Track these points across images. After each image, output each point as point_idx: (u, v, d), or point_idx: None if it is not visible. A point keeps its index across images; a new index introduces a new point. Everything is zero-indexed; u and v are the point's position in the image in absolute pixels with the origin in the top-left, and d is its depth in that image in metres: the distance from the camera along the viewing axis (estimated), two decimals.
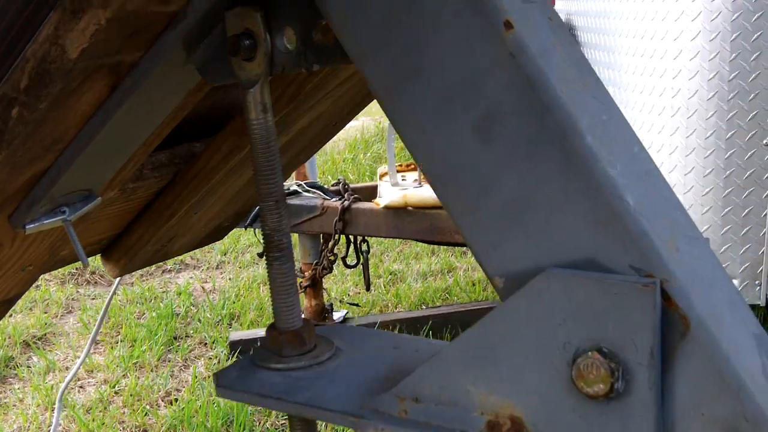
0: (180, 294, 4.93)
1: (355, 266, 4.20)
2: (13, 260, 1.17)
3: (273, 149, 1.04)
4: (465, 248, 5.64)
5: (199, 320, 4.55)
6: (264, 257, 1.13)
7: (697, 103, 3.10)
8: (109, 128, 0.97)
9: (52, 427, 1.94)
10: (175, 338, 4.34)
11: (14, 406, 3.71)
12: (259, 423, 3.40)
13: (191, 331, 4.43)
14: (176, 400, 3.68)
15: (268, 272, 1.11)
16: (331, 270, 4.13)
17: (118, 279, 1.70)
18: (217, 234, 1.74)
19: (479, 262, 0.88)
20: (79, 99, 0.92)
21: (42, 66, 0.86)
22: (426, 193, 3.96)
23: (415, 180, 4.26)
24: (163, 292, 5.00)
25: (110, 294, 1.79)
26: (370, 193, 4.17)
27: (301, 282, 4.14)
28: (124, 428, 3.46)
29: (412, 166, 4.46)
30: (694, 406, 0.79)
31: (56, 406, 1.88)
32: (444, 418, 0.90)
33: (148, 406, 3.61)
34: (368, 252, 4.14)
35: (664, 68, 3.20)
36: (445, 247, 5.68)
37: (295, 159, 1.66)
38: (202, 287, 5.07)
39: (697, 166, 3.14)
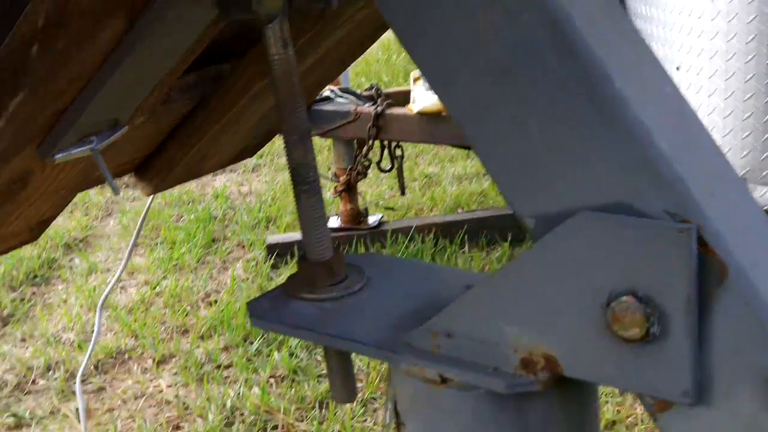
0: (217, 197, 4.98)
1: (389, 170, 4.21)
2: (45, 185, 1.19)
3: (294, 83, 1.03)
4: None
5: (237, 223, 4.61)
6: (293, 191, 1.14)
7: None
8: (129, 61, 0.97)
9: (95, 331, 2.00)
10: (213, 240, 4.40)
11: (58, 306, 3.83)
12: None
13: (229, 234, 4.49)
14: (215, 301, 3.77)
15: (296, 205, 1.12)
16: (365, 175, 4.14)
17: (150, 198, 1.72)
18: (248, 151, 1.75)
19: (508, 202, 0.87)
20: (97, 35, 0.92)
21: (58, 4, 0.85)
22: None
23: None
24: (201, 195, 5.05)
25: (149, 200, 1.81)
26: (404, 97, 4.14)
27: (336, 186, 4.17)
28: (165, 328, 3.56)
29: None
30: (731, 353, 0.78)
31: (98, 311, 1.93)
32: (477, 354, 0.91)
33: (188, 307, 3.70)
34: (402, 157, 4.15)
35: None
36: None
37: (322, 78, 1.65)
38: (239, 190, 5.12)
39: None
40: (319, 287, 1.11)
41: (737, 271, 0.77)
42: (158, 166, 1.53)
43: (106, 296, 1.65)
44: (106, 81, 0.98)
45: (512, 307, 0.88)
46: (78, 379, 1.59)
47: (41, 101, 0.97)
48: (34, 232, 1.36)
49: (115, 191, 1.16)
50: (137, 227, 1.77)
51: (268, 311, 1.09)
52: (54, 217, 1.36)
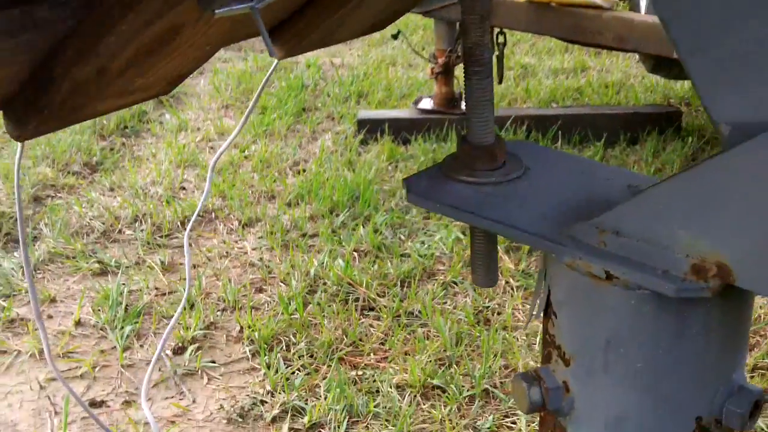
0: (309, 66, 4.95)
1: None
2: (194, 39, 1.17)
3: None
4: (600, 51, 5.45)
5: (328, 95, 4.59)
6: (464, 72, 1.10)
7: None
8: None
9: (205, 189, 2.02)
10: (303, 110, 4.40)
11: (147, 160, 3.89)
12: (384, 202, 3.48)
13: (319, 105, 4.48)
14: (304, 170, 3.78)
15: (465, 86, 1.08)
16: None
17: (276, 61, 1.69)
18: (380, 24, 1.71)
19: (704, 105, 0.82)
20: None
21: None
22: None
23: None
24: (293, 63, 5.03)
25: (274, 62, 1.79)
26: None
27: (433, 68, 4.10)
28: (252, 192, 3.59)
29: None
30: None
31: (209, 170, 1.94)
32: (645, 254, 0.88)
33: (276, 174, 3.72)
34: (504, 45, 4.04)
35: None
36: (580, 45, 5.50)
37: None
38: (331, 62, 5.08)
39: None
40: (479, 171, 1.08)
41: None
42: (295, 30, 1.50)
43: (218, 157, 1.65)
44: None
45: (691, 212, 0.85)
46: (186, 234, 1.60)
47: None
48: (170, 85, 1.35)
49: (271, 52, 1.14)
50: (259, 88, 1.74)
51: (426, 189, 1.07)
52: (191, 72, 1.35)
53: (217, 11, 1.04)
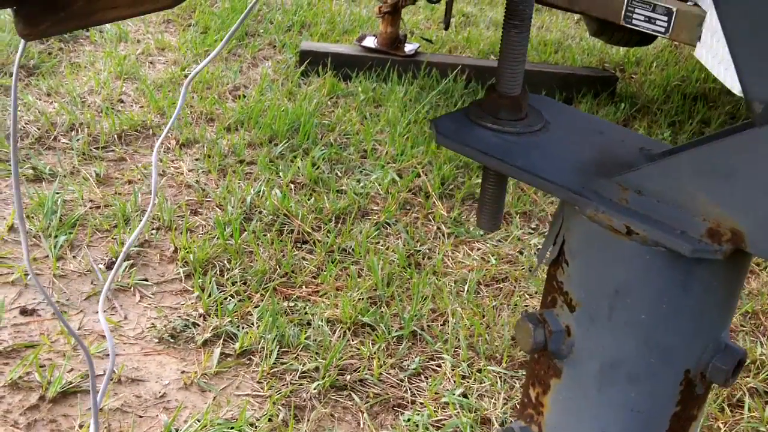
0: None
1: (437, 2, 4.11)
2: None
3: None
4: (539, 6, 5.49)
5: (271, 22, 4.52)
6: (503, 24, 1.11)
7: None
8: None
9: (177, 107, 1.98)
10: (245, 34, 4.33)
11: (86, 68, 3.77)
12: (323, 136, 3.47)
13: (261, 31, 4.41)
14: (244, 96, 3.74)
15: (503, 37, 1.09)
16: (414, 1, 4.05)
17: None
18: None
19: (741, 81, 0.86)
20: None
21: None
22: None
23: None
24: None
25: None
26: None
27: (381, 7, 4.07)
28: (192, 112, 3.54)
29: None
30: None
31: (183, 88, 1.90)
32: (665, 214, 0.93)
33: (216, 96, 3.66)
34: None
35: None
36: None
37: None
38: None
39: None
40: (504, 119, 1.11)
41: None
42: None
43: (193, 77, 1.61)
44: None
45: (713, 179, 0.90)
46: (155, 153, 1.57)
47: None
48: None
49: None
50: (243, 15, 1.70)
51: (454, 132, 1.09)
52: None
53: None
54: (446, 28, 4.23)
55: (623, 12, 3.57)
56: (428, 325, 2.50)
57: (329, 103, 3.81)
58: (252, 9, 1.80)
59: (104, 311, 2.37)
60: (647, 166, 0.93)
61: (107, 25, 4.17)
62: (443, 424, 2.14)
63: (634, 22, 3.54)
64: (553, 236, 1.03)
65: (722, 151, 0.88)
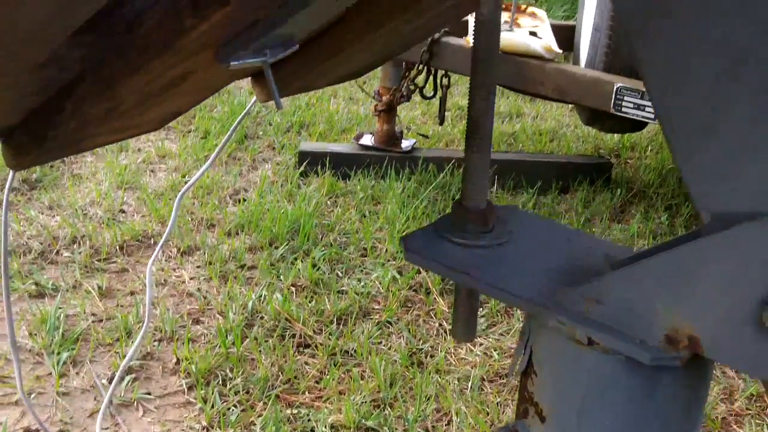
0: (252, 93, 4.95)
1: (431, 98, 4.19)
2: (200, 84, 1.20)
3: (494, 43, 1.04)
4: (534, 98, 5.59)
5: (270, 123, 4.60)
6: (466, 139, 1.16)
7: None
8: None
9: (171, 220, 2.01)
10: (245, 137, 4.40)
11: (87, 179, 3.83)
12: (322, 237, 3.50)
13: (261, 133, 4.49)
14: (244, 200, 3.78)
15: (465, 153, 1.14)
16: (408, 99, 4.13)
17: (254, 99, 1.70)
18: (358, 74, 1.74)
19: (690, 192, 0.91)
20: None
21: None
22: (517, 39, 3.89)
23: (506, 22, 4.17)
24: (237, 88, 5.02)
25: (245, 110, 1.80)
26: (461, 28, 4.10)
27: (377, 105, 4.15)
28: (192, 219, 3.57)
29: (506, 6, 4.35)
30: None
31: (176, 203, 1.93)
32: (624, 323, 0.97)
33: (216, 201, 3.71)
34: (448, 87, 4.12)
35: None
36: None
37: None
38: None
39: None
40: (471, 233, 1.14)
41: None
42: (278, 77, 1.52)
43: (185, 191, 1.65)
44: (309, 3, 0.97)
45: (668, 288, 0.95)
46: (149, 266, 1.60)
47: (245, 12, 0.96)
48: (163, 123, 1.37)
49: (278, 106, 1.17)
50: (236, 122, 1.75)
51: (422, 248, 1.12)
52: (184, 113, 1.37)
53: (233, 64, 1.08)
54: (441, 123, 4.30)
55: (613, 101, 3.64)
56: (433, 426, 2.48)
57: (328, 202, 3.85)
58: (247, 113, 1.85)
59: (106, 429, 2.36)
60: (606, 276, 0.98)
61: None
62: None
63: (624, 109, 3.61)
64: (522, 346, 1.06)
65: (674, 260, 0.92)
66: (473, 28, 1.06)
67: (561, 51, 4.03)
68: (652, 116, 3.51)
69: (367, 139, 4.24)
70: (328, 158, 4.12)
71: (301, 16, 1.02)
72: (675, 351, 0.94)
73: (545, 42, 3.90)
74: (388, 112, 4.16)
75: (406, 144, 4.25)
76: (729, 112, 0.86)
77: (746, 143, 0.85)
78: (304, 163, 4.10)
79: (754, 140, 0.84)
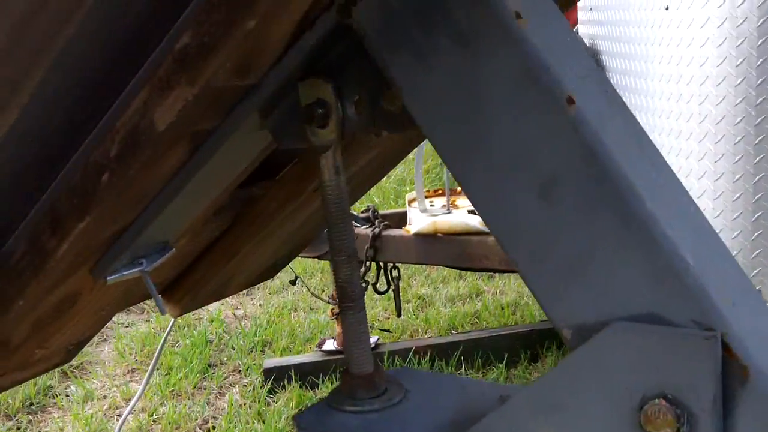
0: (212, 321, 5.00)
1: (385, 292, 4.25)
2: (90, 305, 1.25)
3: (345, 208, 1.11)
4: (492, 274, 5.69)
5: (233, 348, 4.62)
6: (339, 307, 1.20)
7: (725, 108, 3.09)
8: (188, 187, 1.04)
9: None
10: (209, 366, 4.40)
11: None
12: None
13: (225, 359, 4.50)
14: (214, 428, 3.75)
15: (342, 321, 1.18)
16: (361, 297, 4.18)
17: (173, 319, 1.76)
18: (271, 271, 1.81)
19: (547, 313, 0.94)
20: (162, 163, 0.99)
21: (132, 137, 0.93)
22: (455, 219, 4.02)
23: (443, 206, 4.32)
24: (196, 319, 5.07)
25: (166, 333, 1.85)
26: (399, 219, 4.23)
27: (333, 309, 4.20)
28: None
29: (440, 192, 4.52)
30: None
31: None
32: None
33: None
34: (399, 278, 4.19)
35: (691, 75, 3.20)
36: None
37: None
38: (234, 314, 5.15)
39: (726, 172, 3.11)
40: (362, 399, 1.16)
41: (758, 374, 0.84)
42: (187, 286, 1.59)
43: (121, 425, 1.66)
44: (165, 205, 1.05)
45: (549, 414, 0.94)
46: None
47: (103, 224, 1.03)
48: (70, 353, 1.40)
49: (162, 311, 1.22)
50: (157, 349, 1.80)
51: (314, 424, 1.14)
52: (91, 338, 1.41)
53: (109, 278, 1.13)
54: (399, 315, 4.35)
55: None
56: None
57: None
58: (164, 343, 1.89)
59: None
60: (489, 415, 0.98)
61: (72, 387, 4.24)
62: None
63: None
64: None
65: (548, 386, 0.93)
66: (322, 199, 1.13)
67: None
68: None
69: (330, 344, 4.26)
70: (293, 371, 4.12)
71: (162, 220, 1.09)
72: None
73: None
74: None
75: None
76: (555, 230, 0.92)
77: (584, 253, 0.90)
78: (270, 380, 4.10)
79: (590, 250, 0.90)
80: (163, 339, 1.88)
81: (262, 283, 5.59)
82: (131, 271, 1.14)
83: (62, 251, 1.01)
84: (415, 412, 1.14)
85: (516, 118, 0.89)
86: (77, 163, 0.98)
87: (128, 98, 0.94)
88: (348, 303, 1.17)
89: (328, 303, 4.24)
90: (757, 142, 3.06)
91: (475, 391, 1.19)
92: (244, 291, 5.44)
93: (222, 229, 1.50)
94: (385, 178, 8.39)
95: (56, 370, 4.33)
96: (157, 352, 1.90)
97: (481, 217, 0.96)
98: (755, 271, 3.09)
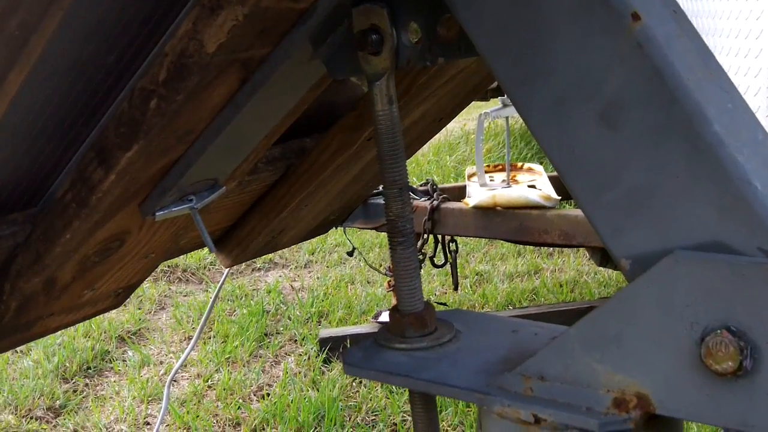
0: (269, 292, 5.01)
1: (443, 266, 4.21)
2: (138, 247, 1.23)
3: (397, 139, 1.07)
4: (552, 249, 5.61)
5: (289, 318, 4.63)
6: (388, 242, 1.17)
7: None
8: (237, 120, 1.01)
9: (159, 417, 2.00)
10: (265, 335, 4.42)
11: (111, 398, 3.84)
12: (350, 418, 3.45)
13: (281, 328, 4.50)
14: (268, 394, 3.75)
15: (391, 257, 1.15)
16: (419, 270, 4.15)
17: (226, 270, 1.74)
18: (323, 227, 1.79)
19: (605, 244, 0.90)
20: (212, 92, 0.96)
21: (180, 60, 0.90)
22: (514, 194, 3.95)
23: (503, 180, 4.27)
24: (254, 290, 5.09)
25: (217, 288, 1.84)
26: (458, 193, 4.19)
27: (389, 281, 4.17)
28: (217, 421, 3.54)
29: (500, 167, 4.47)
30: None
31: (165, 392, 1.94)
32: (570, 395, 0.93)
33: (240, 400, 3.69)
34: (456, 251, 4.15)
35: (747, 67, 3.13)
36: (532, 248, 5.66)
37: (416, 140, 1.69)
38: (291, 285, 5.15)
39: None
40: (410, 337, 1.13)
41: None
42: (239, 237, 1.56)
43: (172, 376, 1.65)
44: (213, 139, 1.02)
45: (605, 347, 0.91)
46: None
47: (151, 156, 1.01)
48: (119, 297, 1.39)
49: (211, 249, 1.19)
50: (208, 307, 1.78)
51: (361, 360, 1.11)
52: (139, 284, 1.39)
53: (158, 214, 1.11)
54: (456, 289, 4.30)
55: None
56: None
57: (353, 384, 3.81)
58: (215, 300, 1.88)
59: None
60: (543, 351, 0.94)
61: (129, 353, 4.29)
62: None
63: None
64: None
65: (606, 317, 0.89)
66: (375, 130, 1.09)
67: (560, 198, 4.08)
68: None
69: (386, 316, 4.24)
70: (348, 341, 4.11)
71: (211, 156, 1.06)
72: (625, 413, 0.89)
73: (543, 191, 3.96)
74: None
75: None
76: (618, 158, 0.87)
77: (647, 180, 0.86)
78: (325, 350, 4.09)
79: (654, 176, 0.85)
80: (212, 300, 1.86)
81: (320, 257, 5.60)
82: (180, 207, 1.12)
83: (109, 183, 0.99)
84: (465, 351, 1.11)
85: (579, 38, 0.84)
86: (125, 91, 0.96)
87: (177, 23, 0.91)
88: (398, 238, 1.13)
89: (386, 275, 4.21)
90: None
91: (527, 332, 1.15)
92: (302, 264, 5.45)
93: (272, 180, 1.47)
94: (446, 157, 8.35)
95: (113, 336, 4.39)
96: (207, 311, 1.89)
97: (541, 146, 0.92)
98: None
